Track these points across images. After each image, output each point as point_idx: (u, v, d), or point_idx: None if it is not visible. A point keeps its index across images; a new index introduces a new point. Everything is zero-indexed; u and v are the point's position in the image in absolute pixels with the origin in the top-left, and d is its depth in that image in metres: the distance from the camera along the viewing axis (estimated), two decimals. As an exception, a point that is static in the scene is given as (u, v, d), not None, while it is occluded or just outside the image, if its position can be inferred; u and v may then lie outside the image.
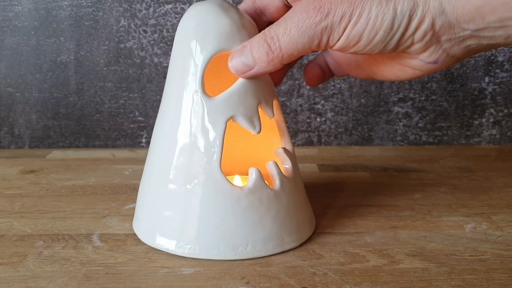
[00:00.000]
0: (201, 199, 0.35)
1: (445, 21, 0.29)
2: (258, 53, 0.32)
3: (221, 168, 0.34)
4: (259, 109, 0.36)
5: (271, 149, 0.39)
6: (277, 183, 0.36)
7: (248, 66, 0.33)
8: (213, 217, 0.35)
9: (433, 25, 0.29)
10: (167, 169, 0.36)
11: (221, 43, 0.34)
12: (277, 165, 0.36)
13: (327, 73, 0.41)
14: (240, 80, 0.34)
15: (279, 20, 0.32)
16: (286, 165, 0.38)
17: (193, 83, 0.35)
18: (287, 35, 0.31)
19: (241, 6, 0.38)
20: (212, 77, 0.39)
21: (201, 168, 0.35)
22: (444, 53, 0.31)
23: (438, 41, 0.30)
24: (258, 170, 0.35)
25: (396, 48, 0.31)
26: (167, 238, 0.36)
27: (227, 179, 0.35)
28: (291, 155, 0.38)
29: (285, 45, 0.31)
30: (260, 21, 0.38)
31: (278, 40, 0.31)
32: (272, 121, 0.39)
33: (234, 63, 0.34)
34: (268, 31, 0.32)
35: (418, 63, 0.32)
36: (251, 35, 0.35)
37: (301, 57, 0.34)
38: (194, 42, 0.35)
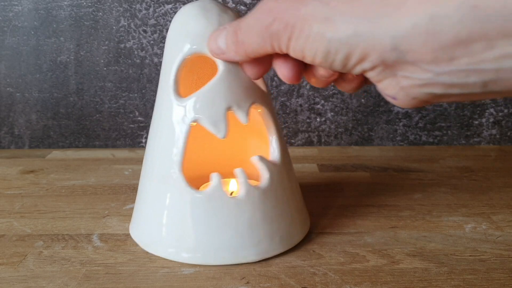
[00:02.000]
0: (164, 200, 0.35)
1: (398, 57, 0.23)
2: (229, 40, 0.31)
3: (181, 170, 0.34)
4: (231, 114, 0.34)
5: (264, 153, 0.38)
6: (241, 192, 0.35)
7: (221, 49, 0.32)
8: (171, 218, 0.35)
9: (382, 60, 0.24)
10: (147, 168, 0.37)
11: (195, 45, 0.34)
12: (244, 173, 0.35)
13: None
14: (210, 83, 0.34)
15: (252, 10, 0.30)
16: (264, 174, 0.36)
17: (169, 84, 0.35)
18: (248, 32, 0.29)
19: None
20: (198, 79, 0.39)
21: (167, 168, 0.35)
22: (402, 91, 0.25)
23: (393, 75, 0.25)
24: (219, 176, 0.34)
25: (349, 70, 0.26)
26: (147, 237, 0.37)
27: (186, 181, 0.34)
28: (269, 164, 0.36)
29: (246, 41, 0.30)
30: None
31: (242, 34, 0.30)
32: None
33: (210, 43, 0.33)
34: (241, 21, 0.30)
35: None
36: None
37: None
38: (172, 44, 0.35)
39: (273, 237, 0.35)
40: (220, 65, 0.34)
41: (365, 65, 0.25)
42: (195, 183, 0.36)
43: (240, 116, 0.34)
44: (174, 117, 0.35)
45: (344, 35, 0.24)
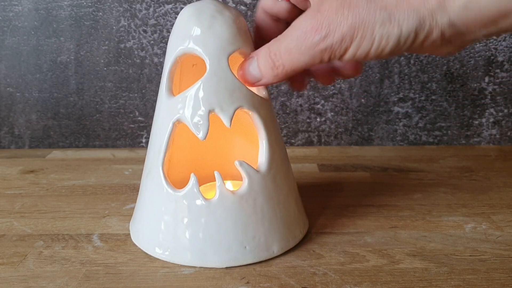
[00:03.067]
0: (148, 197, 0.36)
1: (455, 31, 0.29)
2: (264, 67, 0.33)
3: (163, 168, 0.35)
4: (213, 116, 0.34)
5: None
6: (215, 196, 0.34)
7: (256, 78, 0.34)
8: (152, 215, 0.36)
9: (442, 35, 0.29)
10: (144, 165, 0.38)
11: (184, 44, 0.35)
12: (220, 176, 0.34)
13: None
14: (196, 84, 0.34)
15: (281, 35, 0.32)
16: (244, 180, 0.35)
17: (163, 82, 0.36)
18: (288, 54, 0.31)
19: (257, 17, 0.37)
20: (194, 78, 0.40)
21: (153, 166, 0.36)
22: (455, 48, 0.31)
23: (449, 43, 0.30)
24: (195, 177, 0.34)
25: (406, 51, 0.31)
26: (135, 231, 0.38)
27: (166, 179, 0.35)
28: (250, 170, 0.35)
29: (288, 63, 0.31)
30: (279, 26, 0.37)
31: (281, 58, 0.32)
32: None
33: (243, 73, 0.34)
34: (272, 46, 0.32)
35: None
36: (222, 37, 0.34)
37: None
38: (169, 43, 0.36)
39: (245, 247, 0.35)
40: (208, 66, 0.34)
41: (427, 43, 0.29)
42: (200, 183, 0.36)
43: (223, 119, 0.34)
44: (163, 115, 0.36)
45: (411, 26, 0.28)
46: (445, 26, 0.28)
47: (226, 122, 0.34)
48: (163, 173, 0.35)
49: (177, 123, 0.35)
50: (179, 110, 0.35)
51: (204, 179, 0.39)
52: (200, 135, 0.34)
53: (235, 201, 0.34)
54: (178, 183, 0.36)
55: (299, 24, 0.30)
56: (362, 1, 0.28)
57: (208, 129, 0.34)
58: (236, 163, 0.35)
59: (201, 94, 0.34)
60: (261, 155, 0.36)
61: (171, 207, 0.35)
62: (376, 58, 0.30)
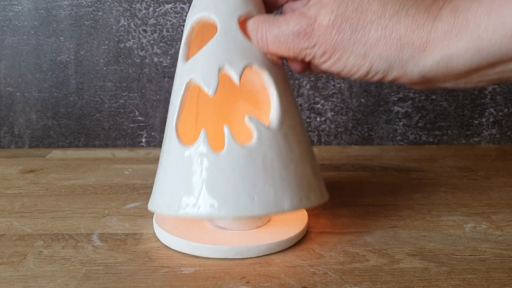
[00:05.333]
0: (164, 158, 0.37)
1: (424, 80, 0.32)
2: (252, 36, 0.36)
3: (176, 128, 0.36)
4: (224, 73, 0.35)
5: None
6: (224, 149, 0.35)
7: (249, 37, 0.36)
8: (167, 173, 0.37)
9: (410, 81, 0.33)
10: (165, 132, 0.39)
11: (202, 12, 0.36)
12: (229, 130, 0.35)
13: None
14: (207, 44, 0.36)
15: (273, 19, 0.34)
16: (253, 134, 0.35)
17: (181, 49, 0.38)
18: (274, 43, 0.34)
19: None
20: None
21: (168, 130, 0.37)
22: (426, 88, 0.35)
23: (419, 85, 0.34)
24: (205, 133, 0.35)
25: (377, 81, 0.35)
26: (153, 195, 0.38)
27: (178, 137, 0.36)
28: (260, 126, 0.35)
29: (272, 49, 0.35)
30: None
31: (267, 42, 0.35)
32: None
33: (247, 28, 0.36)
34: (262, 27, 0.35)
35: None
36: (236, 4, 0.36)
37: None
38: (188, 14, 0.38)
39: (253, 198, 0.34)
40: (218, 27, 0.36)
41: (397, 81, 0.33)
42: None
43: (233, 75, 0.35)
44: (178, 80, 0.37)
45: (380, 68, 0.32)
46: (414, 75, 0.32)
47: (235, 78, 0.35)
48: (176, 132, 0.36)
49: (190, 83, 0.36)
50: (191, 71, 0.36)
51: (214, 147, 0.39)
52: (210, 91, 0.35)
53: (244, 154, 0.35)
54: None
55: (294, 23, 0.33)
56: (348, 29, 0.32)
57: (217, 85, 0.35)
58: (246, 118, 0.36)
59: (211, 53, 0.36)
60: (272, 112, 0.37)
61: (183, 163, 0.36)
62: (347, 78, 0.34)
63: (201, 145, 0.35)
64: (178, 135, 0.36)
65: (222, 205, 0.34)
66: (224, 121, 0.42)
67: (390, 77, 0.33)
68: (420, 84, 0.34)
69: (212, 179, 0.34)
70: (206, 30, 0.38)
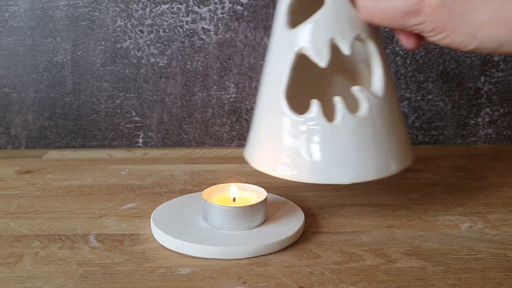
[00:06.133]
0: (268, 124, 0.39)
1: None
2: (359, 7, 0.37)
3: (285, 96, 0.37)
4: (334, 44, 0.37)
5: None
6: (338, 119, 0.37)
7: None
8: (274, 140, 0.38)
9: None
10: (260, 94, 0.41)
11: None
12: (342, 101, 0.37)
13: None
14: (316, 14, 0.37)
15: None
16: (363, 104, 0.37)
17: (281, 16, 0.38)
18: (382, 17, 0.35)
19: None
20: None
21: (273, 96, 0.38)
22: None
23: None
24: (318, 103, 0.37)
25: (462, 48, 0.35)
26: (253, 155, 0.41)
27: (288, 106, 0.37)
28: (369, 95, 0.38)
29: (378, 22, 0.36)
30: None
31: (373, 15, 0.36)
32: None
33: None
34: (366, 0, 0.36)
35: None
36: None
37: None
38: None
39: (367, 164, 0.37)
40: None
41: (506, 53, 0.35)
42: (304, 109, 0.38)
43: (343, 46, 0.37)
44: (282, 47, 0.38)
45: (490, 46, 0.34)
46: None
47: (345, 49, 0.37)
48: (285, 101, 0.38)
49: (298, 52, 0.37)
50: (300, 40, 0.37)
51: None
52: (322, 63, 0.37)
53: (357, 123, 0.37)
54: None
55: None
56: (459, 10, 0.33)
57: (329, 56, 0.37)
58: (356, 88, 0.38)
59: (321, 24, 0.37)
60: (378, 81, 0.39)
61: (295, 131, 0.37)
62: (454, 49, 0.36)
63: (315, 115, 0.37)
64: (288, 104, 0.38)
65: (339, 171, 0.37)
66: (314, 90, 0.44)
67: (498, 52, 0.34)
68: None
69: (327, 147, 0.36)
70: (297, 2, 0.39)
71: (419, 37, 0.37)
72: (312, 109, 0.37)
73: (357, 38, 0.37)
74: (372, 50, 0.38)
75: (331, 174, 0.37)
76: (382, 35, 0.41)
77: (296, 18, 0.39)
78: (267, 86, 0.40)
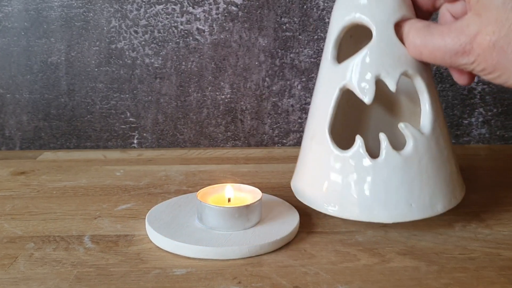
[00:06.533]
0: (313, 158, 0.39)
1: None
2: (407, 44, 0.36)
3: (329, 131, 0.37)
4: (379, 79, 0.36)
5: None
6: (382, 156, 0.36)
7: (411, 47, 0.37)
8: (318, 175, 0.38)
9: None
10: (307, 127, 0.41)
11: (353, 15, 0.37)
12: (386, 138, 0.37)
13: None
14: (362, 50, 0.36)
15: (428, 29, 0.35)
16: (408, 141, 0.37)
17: (328, 50, 0.38)
18: (430, 55, 0.35)
19: None
20: (351, 49, 0.41)
21: (318, 130, 0.38)
22: None
23: None
24: (361, 139, 0.37)
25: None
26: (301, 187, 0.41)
27: (333, 142, 0.37)
28: (416, 132, 0.37)
29: (427, 59, 0.36)
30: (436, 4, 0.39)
31: (421, 53, 0.35)
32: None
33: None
34: (416, 37, 0.35)
35: None
36: (388, 5, 0.36)
37: None
38: (334, 14, 0.39)
39: (411, 204, 0.36)
40: (374, 33, 0.36)
41: None
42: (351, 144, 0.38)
43: (389, 83, 0.36)
44: (328, 82, 0.38)
45: None
46: None
47: (391, 86, 0.36)
48: (330, 136, 0.38)
49: (343, 88, 0.37)
50: (345, 76, 0.37)
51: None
52: (366, 99, 0.36)
53: (401, 161, 0.36)
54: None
55: (453, 36, 0.33)
56: (511, 52, 0.31)
57: (374, 94, 0.36)
58: (401, 125, 0.37)
59: (367, 60, 0.36)
60: (425, 118, 0.38)
61: (338, 167, 0.37)
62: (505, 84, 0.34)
63: (358, 151, 0.36)
64: (331, 139, 0.38)
65: (382, 210, 0.36)
66: (355, 125, 0.44)
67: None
68: None
69: (370, 184, 0.36)
70: (351, 30, 0.39)
71: (472, 74, 0.36)
72: (355, 145, 0.37)
73: (404, 74, 0.37)
74: (420, 86, 0.38)
75: (374, 212, 0.36)
76: (432, 70, 0.40)
77: (345, 51, 0.39)
78: (313, 119, 0.40)
